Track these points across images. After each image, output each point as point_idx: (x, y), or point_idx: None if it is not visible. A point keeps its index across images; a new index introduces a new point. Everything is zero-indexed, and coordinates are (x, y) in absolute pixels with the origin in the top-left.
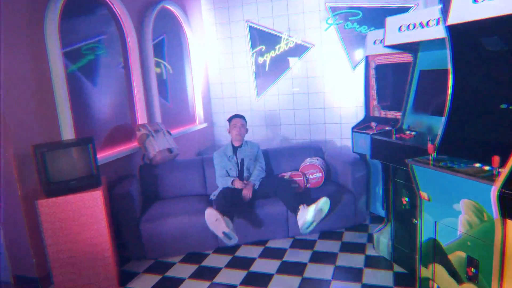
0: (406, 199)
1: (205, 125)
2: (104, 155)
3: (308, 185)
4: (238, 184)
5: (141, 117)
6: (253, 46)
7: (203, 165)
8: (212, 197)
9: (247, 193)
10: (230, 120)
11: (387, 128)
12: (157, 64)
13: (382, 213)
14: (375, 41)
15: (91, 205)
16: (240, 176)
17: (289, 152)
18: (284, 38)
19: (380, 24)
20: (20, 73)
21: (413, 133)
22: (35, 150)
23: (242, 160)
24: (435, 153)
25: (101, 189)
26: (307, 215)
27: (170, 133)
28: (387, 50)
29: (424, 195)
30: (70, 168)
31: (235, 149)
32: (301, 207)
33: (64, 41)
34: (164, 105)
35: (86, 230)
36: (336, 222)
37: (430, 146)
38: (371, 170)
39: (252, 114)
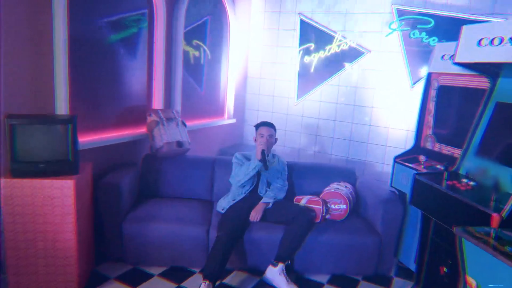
0: (445, 269)
1: (233, 121)
2: (107, 136)
3: (327, 216)
4: (259, 152)
5: (158, 102)
6: (302, 42)
7: (213, 167)
8: (221, 210)
9: (255, 214)
10: (257, 127)
11: (438, 167)
12: (197, 47)
13: (413, 266)
14: (443, 55)
15: (60, 195)
16: (255, 189)
17: (316, 170)
18: (337, 39)
19: (455, 38)
20: (18, 35)
21: (471, 183)
22: (6, 121)
23: (263, 173)
24: (499, 228)
25: (75, 178)
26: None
27: (185, 125)
28: (457, 69)
29: (471, 282)
30: (42, 148)
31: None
32: (280, 265)
33: (104, 10)
34: (195, 91)
35: (49, 222)
36: (353, 267)
37: (495, 216)
38: (409, 211)
39: (288, 118)
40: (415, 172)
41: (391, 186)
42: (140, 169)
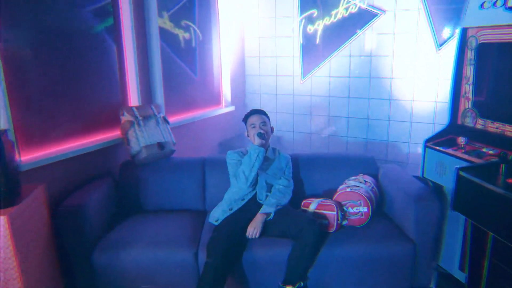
0: None
1: (232, 108)
2: (71, 147)
3: (344, 223)
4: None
5: (133, 96)
6: (303, 9)
7: (203, 169)
8: (214, 221)
9: (253, 230)
10: (246, 119)
11: (484, 150)
12: (187, 28)
13: (458, 273)
14: (482, 3)
15: None
16: (253, 196)
17: (326, 162)
18: (344, 1)
19: None
20: None
21: None
22: None
23: (260, 175)
24: None
25: (11, 211)
26: None
27: (167, 122)
28: (505, 19)
29: None
30: None
31: None
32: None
33: None
34: (190, 78)
35: None
36: (382, 282)
37: None
38: (448, 206)
39: (295, 99)
40: (458, 168)
41: (422, 177)
42: (118, 180)
